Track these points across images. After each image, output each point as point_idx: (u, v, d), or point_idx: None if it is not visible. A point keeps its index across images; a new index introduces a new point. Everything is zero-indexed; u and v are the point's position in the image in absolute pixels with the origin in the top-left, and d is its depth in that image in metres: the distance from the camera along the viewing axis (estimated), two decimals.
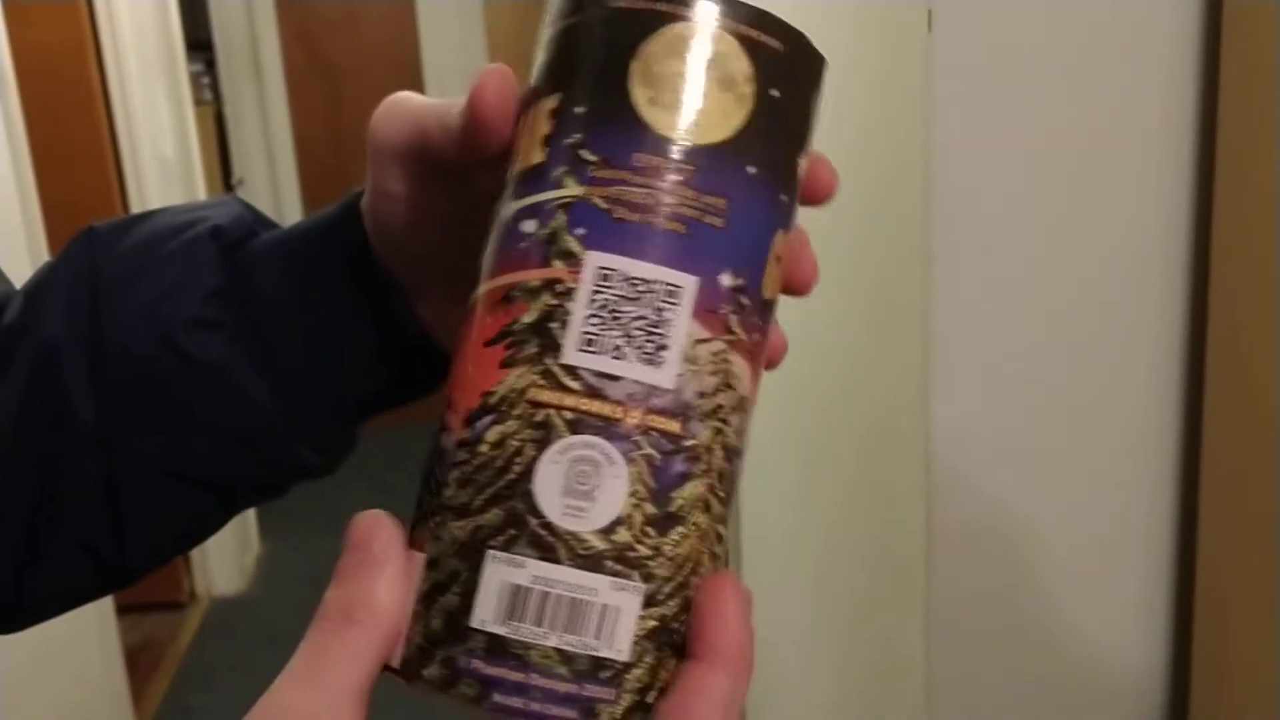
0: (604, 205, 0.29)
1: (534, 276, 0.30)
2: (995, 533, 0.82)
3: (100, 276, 0.41)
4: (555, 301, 0.29)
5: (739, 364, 0.31)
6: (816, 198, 0.34)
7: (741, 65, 0.30)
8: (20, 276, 0.45)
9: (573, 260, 0.29)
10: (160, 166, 2.38)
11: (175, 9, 2.54)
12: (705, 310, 0.30)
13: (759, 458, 1.39)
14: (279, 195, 3.58)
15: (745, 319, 0.31)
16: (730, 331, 0.30)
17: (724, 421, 0.30)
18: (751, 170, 0.30)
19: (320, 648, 0.27)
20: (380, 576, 0.28)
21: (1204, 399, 0.77)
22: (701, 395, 0.30)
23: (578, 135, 0.30)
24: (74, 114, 2.20)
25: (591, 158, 0.30)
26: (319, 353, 0.41)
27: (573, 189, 0.30)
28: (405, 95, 0.37)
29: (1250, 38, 0.69)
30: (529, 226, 0.30)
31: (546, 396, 0.29)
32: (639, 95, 0.30)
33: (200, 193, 2.63)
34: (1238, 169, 0.72)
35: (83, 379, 0.40)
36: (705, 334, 0.30)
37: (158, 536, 0.43)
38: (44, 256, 1.72)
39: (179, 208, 0.43)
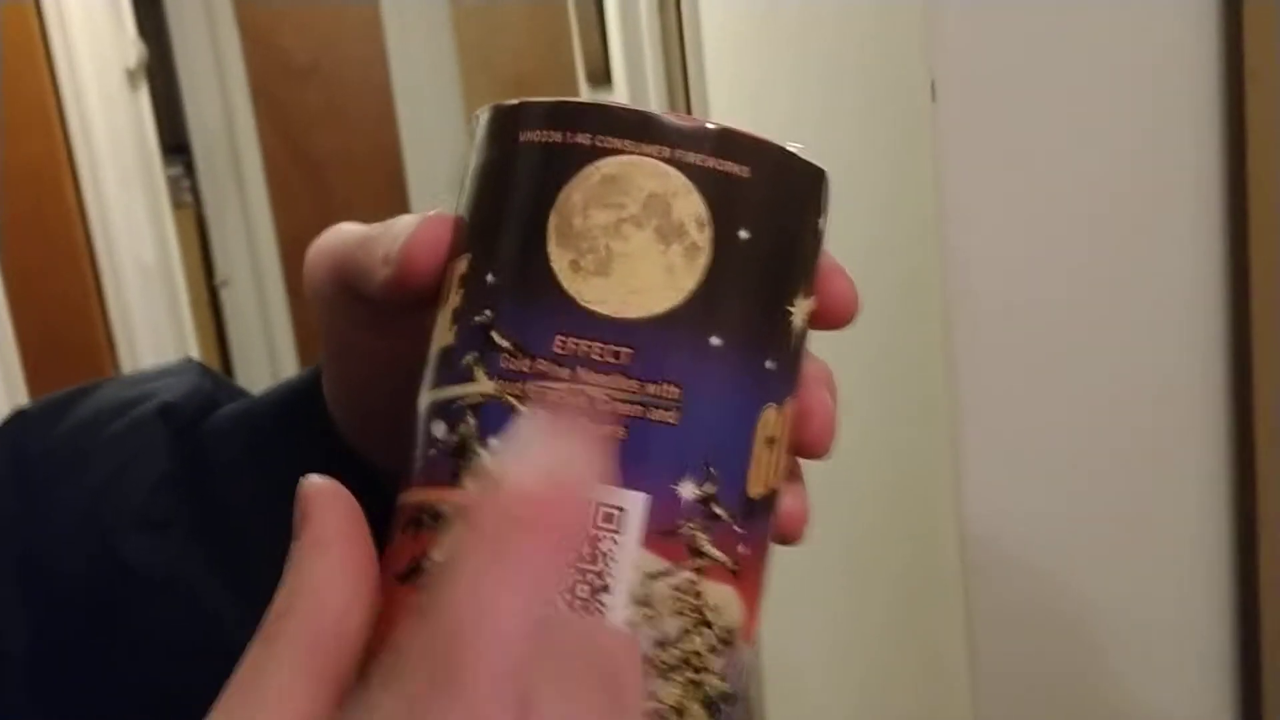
0: (520, 407, 0.23)
1: (442, 499, 0.23)
2: (1039, 619, 0.77)
3: (31, 471, 0.34)
4: None
5: (717, 592, 0.24)
6: (834, 322, 0.27)
7: (690, 205, 0.24)
8: None
9: (486, 480, 0.23)
10: (141, 275, 2.34)
11: (150, 115, 2.52)
12: (659, 533, 0.23)
13: (789, 558, 1.34)
14: (264, 294, 3.54)
15: (723, 532, 0.24)
16: (699, 554, 0.23)
17: (700, 670, 0.23)
18: (716, 341, 0.24)
19: (253, 660, 0.22)
20: (324, 558, 0.23)
21: (1256, 465, 0.72)
22: (663, 644, 0.23)
23: (488, 312, 0.24)
24: (50, 228, 2.17)
25: (503, 343, 0.24)
26: (285, 545, 0.34)
27: (482, 384, 0.24)
28: (333, 230, 0.31)
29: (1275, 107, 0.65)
30: (438, 430, 0.24)
31: None
32: (558, 259, 0.23)
33: (183, 298, 2.59)
34: (1271, 235, 0.67)
35: (10, 599, 0.33)
36: (661, 565, 0.23)
37: None
38: (19, 378, 1.66)
39: (127, 380, 0.37)
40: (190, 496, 0.34)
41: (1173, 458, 0.75)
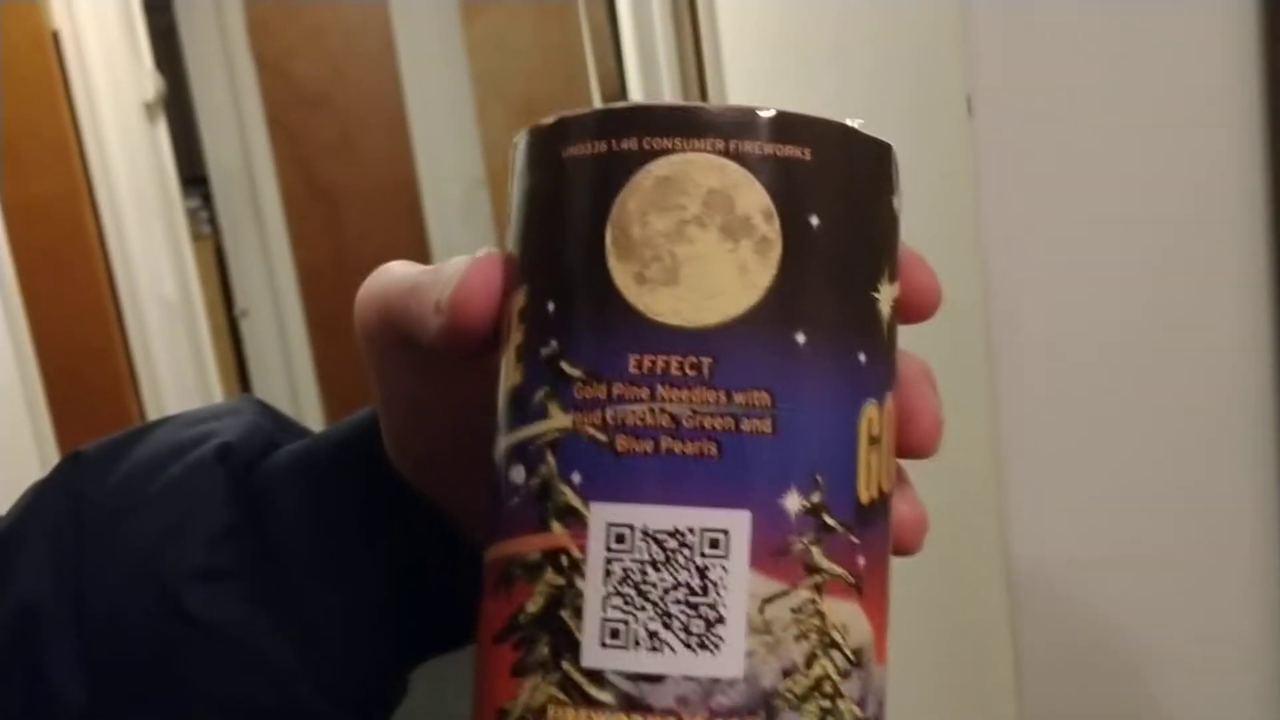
0: (601, 437, 0.22)
1: (531, 546, 0.22)
2: (1089, 663, 0.75)
3: (85, 519, 0.33)
4: (561, 580, 0.22)
5: (841, 609, 0.22)
6: (918, 313, 0.26)
7: (754, 197, 0.22)
8: (16, 427, 0.37)
9: (574, 519, 0.22)
10: (162, 307, 2.34)
11: (168, 148, 2.53)
12: (770, 553, 0.21)
13: None
14: (283, 323, 3.55)
15: (838, 544, 0.22)
16: (815, 570, 0.22)
17: (834, 697, 0.22)
18: (801, 338, 0.22)
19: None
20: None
21: None
22: (789, 674, 0.21)
23: (553, 343, 0.22)
24: (71, 261, 2.17)
25: (574, 372, 0.22)
26: (350, 598, 0.33)
27: (558, 419, 0.22)
28: (382, 272, 0.30)
29: None
30: (517, 475, 0.23)
31: (571, 717, 0.21)
32: (620, 273, 0.22)
33: (203, 330, 2.59)
34: None
35: (67, 653, 0.32)
36: (776, 586, 0.21)
37: None
38: (44, 412, 1.66)
39: (183, 419, 0.36)
40: (251, 545, 0.33)
41: (1225, 494, 0.73)
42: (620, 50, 1.90)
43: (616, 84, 1.95)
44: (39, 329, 1.72)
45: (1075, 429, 0.72)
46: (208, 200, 3.51)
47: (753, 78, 1.21)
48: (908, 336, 0.30)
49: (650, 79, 1.69)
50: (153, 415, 2.23)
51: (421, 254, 3.47)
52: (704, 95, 1.44)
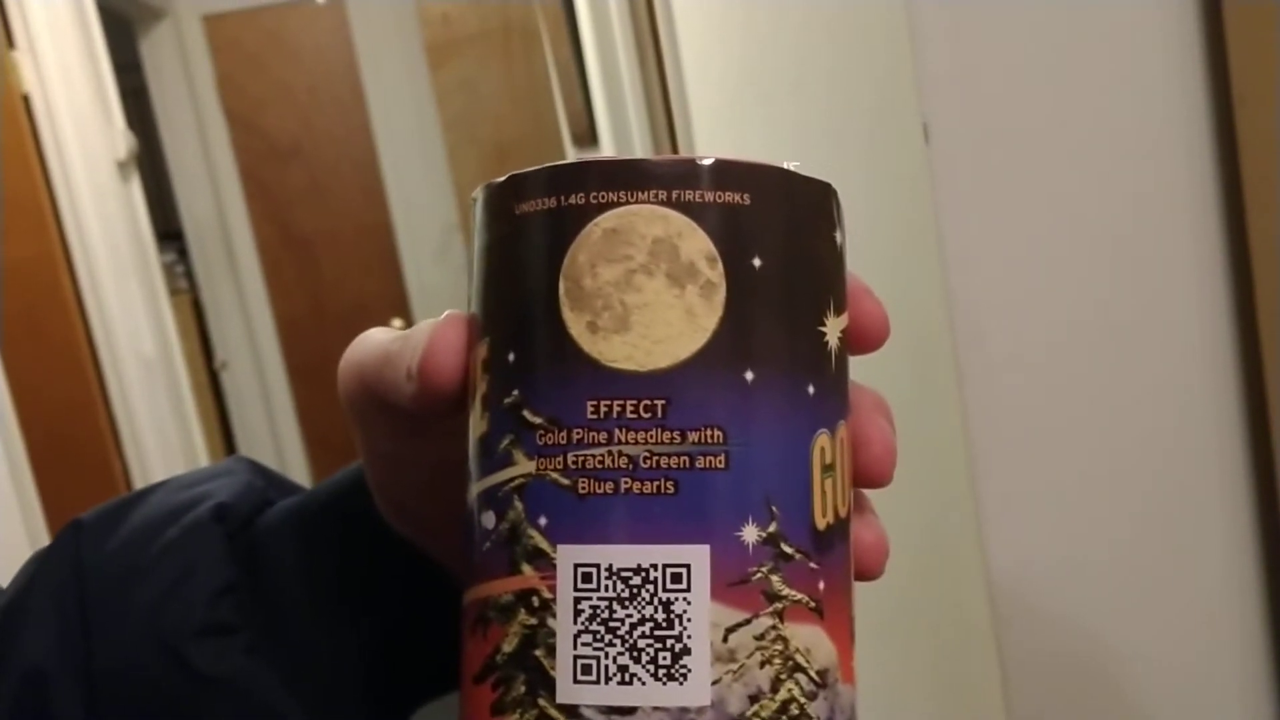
0: (563, 481, 0.23)
1: (504, 589, 0.23)
2: (1074, 668, 0.76)
3: (88, 586, 0.34)
4: (533, 620, 0.22)
5: (803, 634, 0.23)
6: (867, 344, 0.27)
7: (697, 243, 0.23)
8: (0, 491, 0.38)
9: (543, 561, 0.22)
10: (141, 364, 2.34)
11: (142, 205, 2.54)
12: (730, 584, 0.22)
13: None
14: (264, 374, 3.54)
15: (797, 571, 0.23)
16: (775, 597, 0.23)
17: (800, 718, 0.23)
18: (750, 375, 0.23)
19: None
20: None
21: (1278, 494, 0.71)
22: (756, 699, 0.22)
23: (515, 392, 0.23)
24: (49, 322, 2.17)
25: (535, 420, 0.23)
26: (347, 644, 0.34)
27: (522, 465, 0.23)
28: (360, 341, 0.31)
29: (1267, 132, 0.66)
30: (488, 520, 0.24)
31: None
32: (574, 323, 0.23)
33: (184, 385, 2.58)
34: (1275, 262, 0.67)
35: (76, 713, 0.33)
36: (738, 615, 0.22)
37: None
38: (27, 475, 1.66)
39: (178, 482, 0.37)
40: (250, 600, 0.34)
41: (1198, 498, 0.74)
42: (588, 89, 1.92)
43: (585, 122, 1.97)
44: (19, 391, 1.72)
45: (1046, 440, 0.73)
46: (183, 255, 3.51)
47: (716, 111, 1.24)
48: (880, 359, 0.32)
49: (618, 116, 1.71)
50: (137, 472, 2.22)
51: (398, 299, 3.48)
52: (670, 129, 1.46)
